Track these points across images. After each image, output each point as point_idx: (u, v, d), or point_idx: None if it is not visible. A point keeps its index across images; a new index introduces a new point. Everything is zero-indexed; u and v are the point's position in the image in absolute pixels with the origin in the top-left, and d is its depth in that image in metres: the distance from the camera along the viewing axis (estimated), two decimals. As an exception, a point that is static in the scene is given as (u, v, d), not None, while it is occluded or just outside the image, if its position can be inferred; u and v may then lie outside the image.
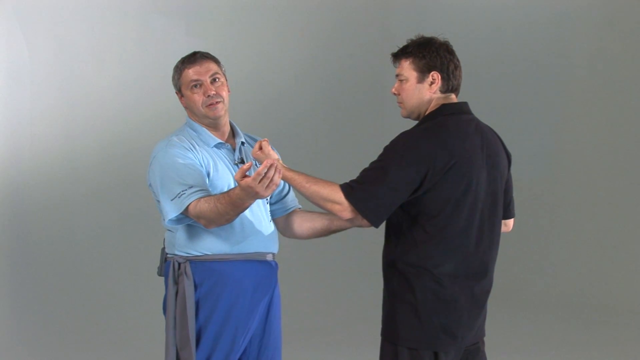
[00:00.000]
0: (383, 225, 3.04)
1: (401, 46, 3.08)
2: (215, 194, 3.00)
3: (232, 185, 3.10)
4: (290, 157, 3.95)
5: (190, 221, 3.08)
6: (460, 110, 3.04)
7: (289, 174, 3.02)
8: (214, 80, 3.18)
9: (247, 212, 3.10)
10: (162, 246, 3.25)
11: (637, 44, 7.49)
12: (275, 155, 3.19)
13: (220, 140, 3.22)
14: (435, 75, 3.01)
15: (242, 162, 3.22)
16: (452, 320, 2.98)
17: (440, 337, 2.97)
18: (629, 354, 5.95)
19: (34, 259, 6.06)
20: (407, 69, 3.03)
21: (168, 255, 3.20)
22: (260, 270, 3.20)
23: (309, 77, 7.59)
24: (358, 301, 7.02)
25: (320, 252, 6.97)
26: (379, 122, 7.91)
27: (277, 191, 3.34)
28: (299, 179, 3.01)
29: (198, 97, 3.17)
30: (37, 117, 6.07)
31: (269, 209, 3.30)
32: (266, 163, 2.76)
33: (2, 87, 5.91)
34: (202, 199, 2.97)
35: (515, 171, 3.47)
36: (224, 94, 3.20)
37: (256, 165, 3.18)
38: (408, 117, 3.11)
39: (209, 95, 3.16)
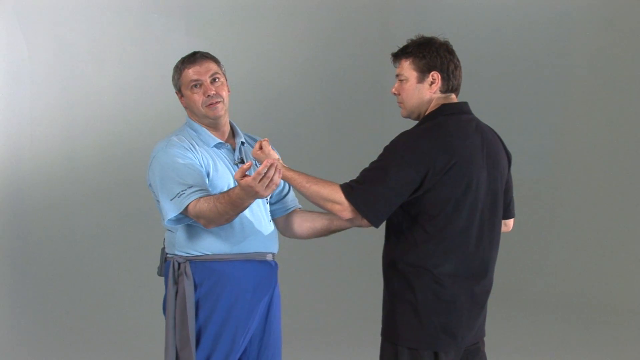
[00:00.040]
0: (383, 225, 3.04)
1: (401, 46, 3.08)
2: (215, 194, 3.00)
3: (232, 185, 3.10)
4: (290, 157, 3.95)
5: (189, 221, 3.07)
6: (461, 110, 3.04)
7: (289, 174, 3.02)
8: (214, 80, 3.18)
9: (247, 212, 3.10)
10: (162, 246, 3.25)
11: (637, 44, 7.49)
12: (275, 155, 3.18)
13: (220, 140, 3.22)
14: (435, 75, 3.01)
15: (242, 162, 3.22)
16: (452, 320, 2.97)
17: (440, 337, 2.97)
18: (629, 354, 5.95)
19: (34, 259, 6.06)
20: (407, 69, 3.03)
21: (168, 255, 3.20)
22: (260, 270, 3.20)
23: (309, 77, 7.59)
24: (358, 301, 7.01)
25: (320, 252, 6.96)
26: (379, 122, 7.90)
27: (277, 191, 3.34)
28: (299, 179, 3.01)
29: (198, 97, 3.17)
30: (37, 117, 6.07)
31: (269, 209, 3.30)
32: (266, 163, 2.76)
33: (2, 87, 5.91)
34: (201, 199, 2.97)
35: (515, 171, 3.47)
36: (224, 93, 3.20)
37: (256, 165, 3.18)
38: (408, 117, 3.11)
39: (209, 95, 3.16)
